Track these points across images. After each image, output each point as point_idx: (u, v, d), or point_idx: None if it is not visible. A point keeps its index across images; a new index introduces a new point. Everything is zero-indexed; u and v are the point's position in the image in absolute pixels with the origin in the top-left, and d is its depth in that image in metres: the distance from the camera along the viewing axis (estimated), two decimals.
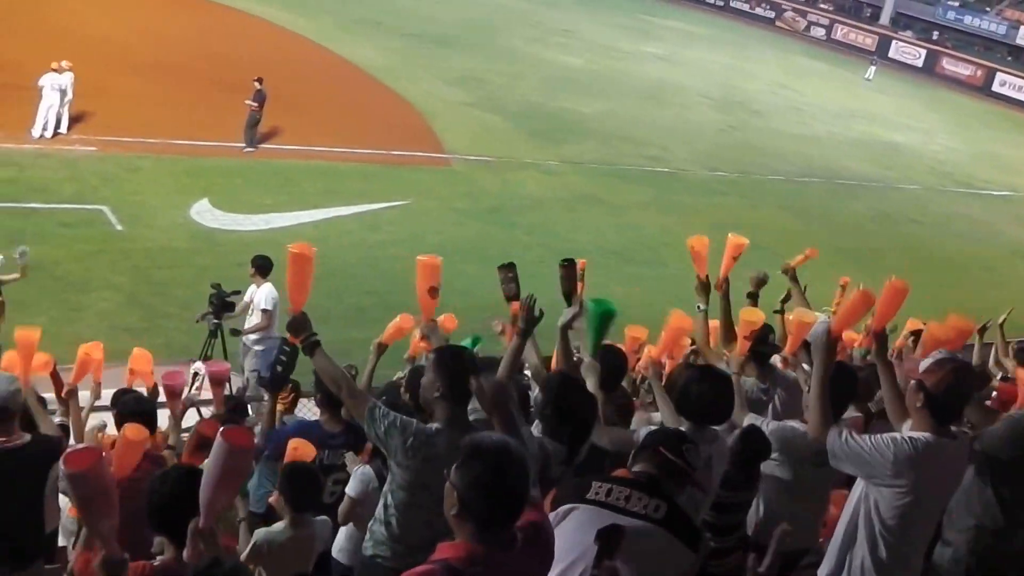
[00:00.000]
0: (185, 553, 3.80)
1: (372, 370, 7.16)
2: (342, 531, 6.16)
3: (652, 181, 28.18)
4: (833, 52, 64.47)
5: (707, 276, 7.07)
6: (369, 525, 5.27)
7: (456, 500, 3.38)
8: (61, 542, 6.80)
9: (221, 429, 3.79)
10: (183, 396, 7.12)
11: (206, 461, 3.80)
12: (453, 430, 4.89)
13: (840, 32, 68.24)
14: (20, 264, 11.69)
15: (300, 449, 6.15)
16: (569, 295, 6.09)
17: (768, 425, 5.97)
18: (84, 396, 7.85)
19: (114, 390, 7.55)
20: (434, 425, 5.01)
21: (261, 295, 12.64)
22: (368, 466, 6.06)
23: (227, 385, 8.52)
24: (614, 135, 32.09)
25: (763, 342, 6.90)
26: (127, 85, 25.37)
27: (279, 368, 7.04)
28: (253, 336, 12.65)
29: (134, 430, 5.68)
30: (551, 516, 4.08)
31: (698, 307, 7.08)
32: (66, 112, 21.96)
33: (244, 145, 23.32)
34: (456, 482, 3.38)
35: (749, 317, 6.61)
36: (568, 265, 6.16)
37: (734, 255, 7.23)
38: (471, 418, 5.08)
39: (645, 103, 37.77)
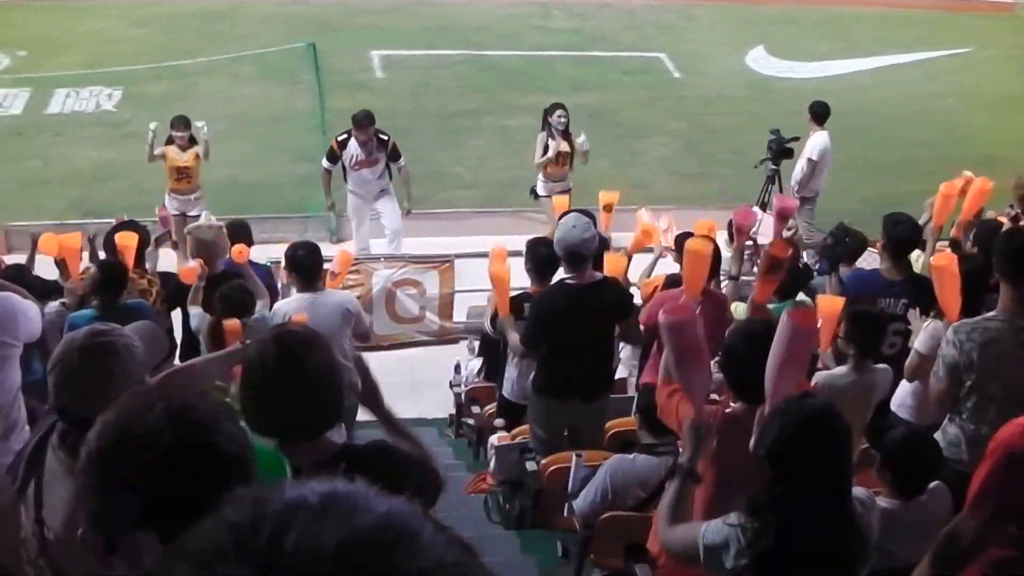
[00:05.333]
0: None
1: None
2: (905, 385, 6.02)
3: None
4: None
5: None
6: (943, 425, 5.00)
7: None
8: (621, 373, 7.30)
9: (788, 310, 3.69)
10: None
11: (773, 342, 3.63)
12: (1015, 313, 4.66)
13: None
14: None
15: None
16: None
17: None
18: None
19: None
20: (992, 311, 4.78)
21: (813, 143, 12.16)
22: (939, 321, 5.84)
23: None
24: None
25: None
26: None
27: (831, 246, 7.52)
28: (794, 187, 12.33)
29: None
30: None
31: None
32: None
33: None
34: None
35: None
36: None
37: None
38: None
39: None
